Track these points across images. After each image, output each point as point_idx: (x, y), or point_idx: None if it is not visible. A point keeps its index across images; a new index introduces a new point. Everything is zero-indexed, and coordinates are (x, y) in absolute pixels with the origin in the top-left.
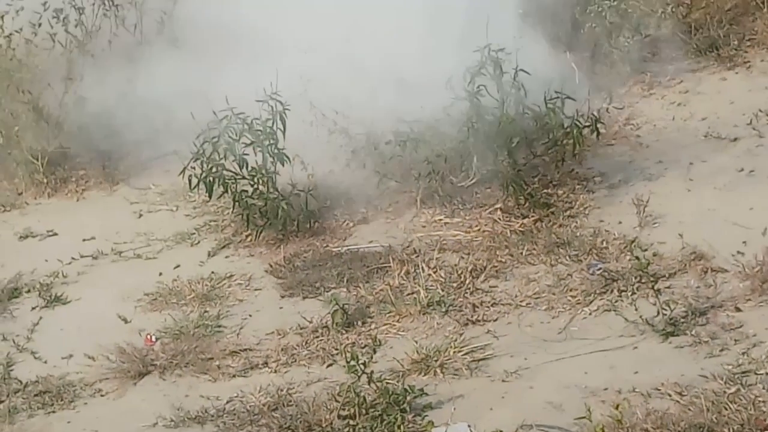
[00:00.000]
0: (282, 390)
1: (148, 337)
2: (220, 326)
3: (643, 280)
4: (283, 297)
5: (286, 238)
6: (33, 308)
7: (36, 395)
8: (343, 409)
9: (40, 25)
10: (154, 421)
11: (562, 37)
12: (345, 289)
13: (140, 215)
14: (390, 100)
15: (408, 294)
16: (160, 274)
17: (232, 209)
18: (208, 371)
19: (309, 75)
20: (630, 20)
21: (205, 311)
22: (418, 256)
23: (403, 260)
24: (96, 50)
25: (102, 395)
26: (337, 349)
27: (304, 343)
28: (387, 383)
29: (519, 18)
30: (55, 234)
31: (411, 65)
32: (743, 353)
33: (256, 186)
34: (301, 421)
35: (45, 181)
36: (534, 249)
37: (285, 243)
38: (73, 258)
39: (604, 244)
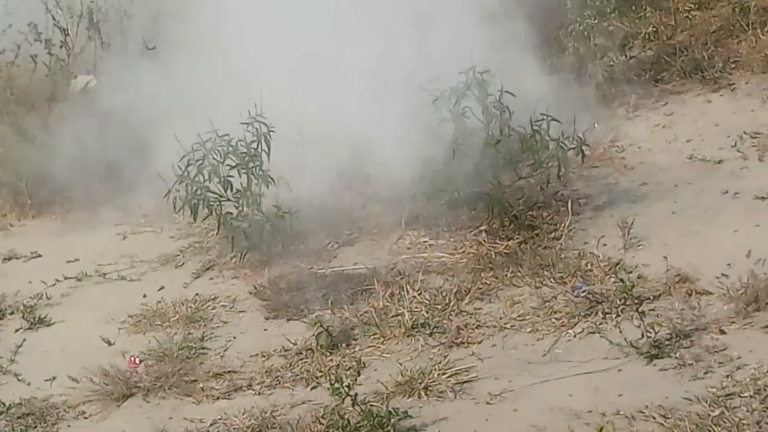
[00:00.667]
0: (266, 412)
1: (132, 359)
2: (204, 348)
3: (627, 303)
4: (267, 319)
5: (271, 260)
6: (16, 330)
7: (19, 417)
8: None
9: (19, 47)
10: None
11: (547, 58)
12: (329, 311)
13: (124, 237)
14: (375, 123)
15: (393, 316)
16: (144, 296)
17: (216, 231)
18: (192, 393)
19: (294, 96)
20: (615, 41)
21: (189, 333)
22: (402, 278)
23: (388, 282)
24: (80, 72)
25: (85, 417)
26: (321, 372)
27: (288, 365)
28: (371, 406)
29: (503, 39)
30: (39, 256)
31: (396, 87)
32: (727, 376)
33: (240, 208)
34: None
35: (29, 202)
36: (519, 271)
37: (269, 265)
38: (57, 280)
39: (589, 267)
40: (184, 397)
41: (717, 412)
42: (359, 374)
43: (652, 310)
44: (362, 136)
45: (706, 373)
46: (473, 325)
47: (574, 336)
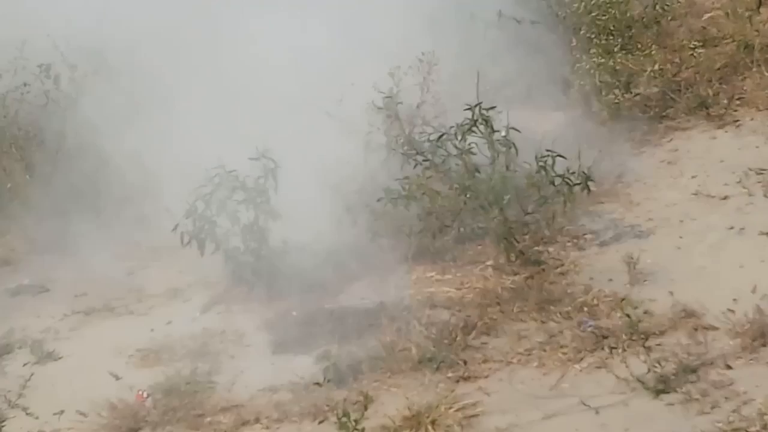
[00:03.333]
0: None
1: (140, 393)
2: (211, 382)
3: (633, 338)
4: (274, 353)
5: (278, 295)
6: (25, 364)
7: None
8: None
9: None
10: None
11: (553, 95)
12: (337, 346)
13: (132, 271)
14: (381, 158)
15: (399, 350)
16: (152, 330)
17: (224, 266)
18: (200, 428)
19: (301, 133)
20: (620, 78)
21: (197, 367)
22: (409, 312)
23: (395, 317)
24: (88, 108)
25: None
26: (328, 406)
27: (295, 400)
28: None
29: (509, 76)
30: (48, 290)
31: (401, 123)
32: (734, 411)
33: (248, 243)
34: None
35: (38, 237)
36: (525, 306)
37: (277, 299)
38: (65, 314)
39: (595, 302)
40: (192, 431)
41: None
42: (366, 408)
43: (659, 345)
44: (369, 171)
45: (712, 408)
46: (480, 359)
47: (581, 371)
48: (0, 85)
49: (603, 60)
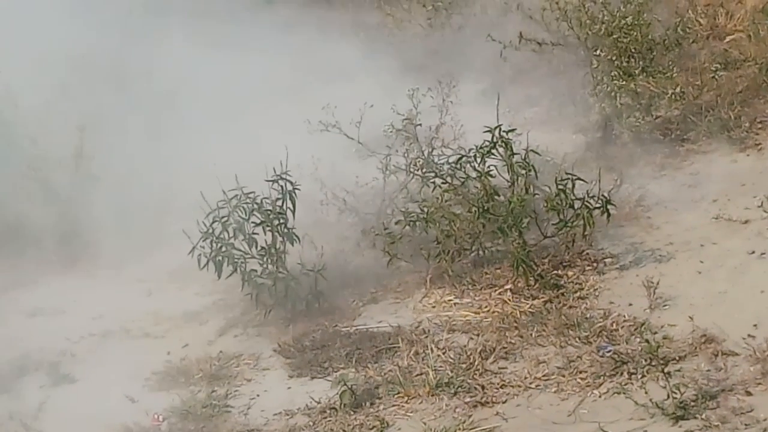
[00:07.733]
0: None
1: (156, 416)
2: (227, 406)
3: (653, 363)
4: (291, 377)
5: (295, 318)
6: (41, 387)
7: None
8: None
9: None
10: None
11: (573, 117)
12: (353, 370)
13: (149, 293)
14: (399, 181)
15: (417, 375)
16: (168, 353)
17: (241, 288)
18: None
19: (319, 155)
20: (641, 101)
21: (213, 391)
22: (427, 336)
23: (412, 341)
24: (108, 128)
25: None
26: (345, 430)
27: (312, 424)
28: None
29: (529, 98)
30: (64, 312)
31: (420, 145)
32: None
33: (265, 265)
34: None
35: (55, 258)
36: (544, 330)
37: (294, 322)
38: (81, 336)
39: (614, 326)
40: None
41: None
42: None
43: (678, 370)
44: (387, 193)
45: None
46: (498, 384)
47: (600, 396)
48: (21, 106)
49: (624, 82)
